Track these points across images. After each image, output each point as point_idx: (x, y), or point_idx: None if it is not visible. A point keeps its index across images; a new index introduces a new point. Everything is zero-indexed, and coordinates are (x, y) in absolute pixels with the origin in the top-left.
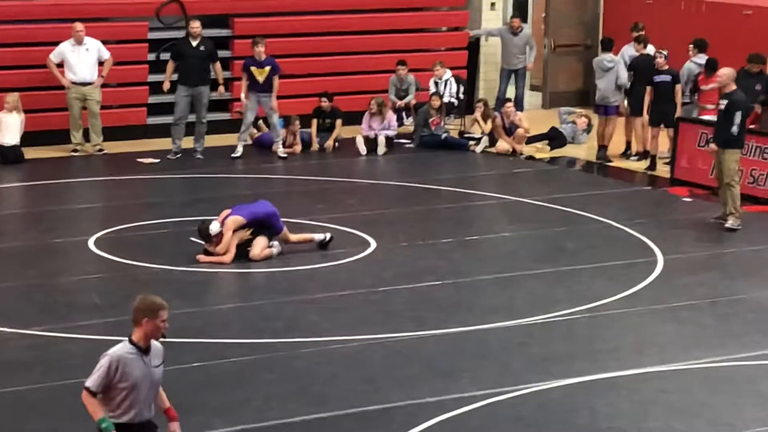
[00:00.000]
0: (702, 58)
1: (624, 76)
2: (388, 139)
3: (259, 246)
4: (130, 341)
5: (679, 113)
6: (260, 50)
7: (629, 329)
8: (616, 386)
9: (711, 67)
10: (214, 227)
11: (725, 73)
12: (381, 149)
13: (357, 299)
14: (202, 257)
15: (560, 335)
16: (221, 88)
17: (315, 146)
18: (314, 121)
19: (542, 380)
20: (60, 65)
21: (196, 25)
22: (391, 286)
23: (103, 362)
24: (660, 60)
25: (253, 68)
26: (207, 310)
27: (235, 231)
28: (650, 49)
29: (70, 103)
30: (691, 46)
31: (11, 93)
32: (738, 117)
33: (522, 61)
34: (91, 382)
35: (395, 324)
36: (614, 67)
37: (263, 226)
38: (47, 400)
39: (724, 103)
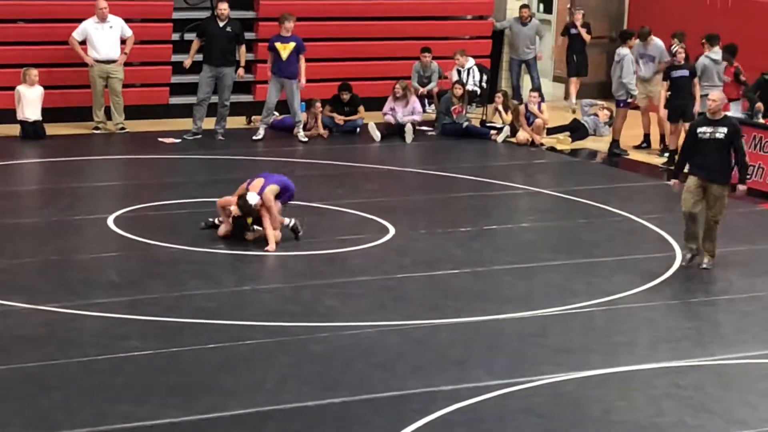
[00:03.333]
0: (716, 53)
1: (625, 73)
2: (414, 124)
3: (273, 242)
4: None
5: (697, 108)
6: (287, 26)
7: (645, 323)
8: (631, 380)
9: (731, 53)
10: (254, 198)
11: (720, 97)
12: (409, 137)
13: (374, 285)
14: (251, 236)
15: (576, 327)
16: (241, 71)
17: (340, 120)
18: (327, 107)
19: (556, 372)
20: (83, 43)
21: (223, 7)
22: (408, 273)
23: None
24: (681, 55)
25: (277, 44)
26: (224, 291)
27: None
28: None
29: (93, 80)
30: (704, 40)
31: (31, 68)
32: (744, 145)
33: (532, 52)
34: None
35: (411, 311)
36: (620, 62)
37: (280, 198)
38: (60, 376)
39: (712, 131)
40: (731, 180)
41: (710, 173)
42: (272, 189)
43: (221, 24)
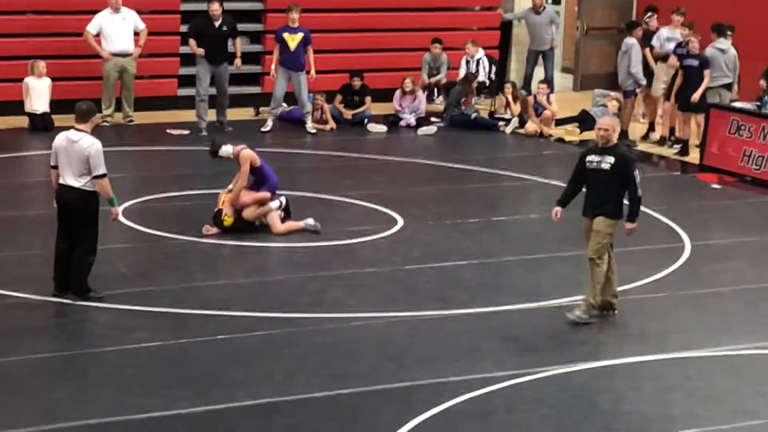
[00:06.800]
0: (722, 43)
1: (634, 63)
2: (421, 119)
3: (277, 221)
4: None
5: (695, 99)
6: (294, 17)
7: (654, 315)
8: (640, 371)
9: None
10: (228, 149)
11: (611, 125)
12: (432, 129)
13: (382, 277)
14: (208, 229)
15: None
16: (237, 61)
17: (348, 115)
18: (338, 97)
19: (566, 363)
20: (96, 36)
21: (215, 8)
22: (416, 264)
23: None
24: (695, 44)
25: (285, 34)
26: (233, 283)
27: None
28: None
29: (108, 73)
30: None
31: (38, 59)
32: (638, 176)
33: (549, 41)
34: None
35: (420, 302)
36: (627, 52)
37: (263, 185)
38: (71, 369)
39: (599, 160)
40: (619, 216)
41: (592, 208)
42: (252, 155)
43: (216, 24)
